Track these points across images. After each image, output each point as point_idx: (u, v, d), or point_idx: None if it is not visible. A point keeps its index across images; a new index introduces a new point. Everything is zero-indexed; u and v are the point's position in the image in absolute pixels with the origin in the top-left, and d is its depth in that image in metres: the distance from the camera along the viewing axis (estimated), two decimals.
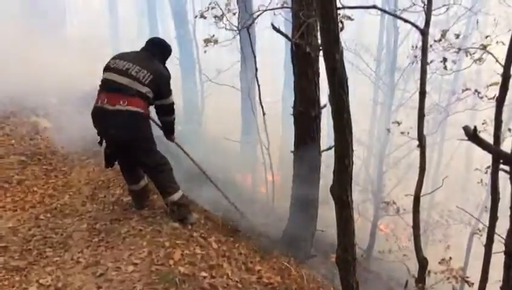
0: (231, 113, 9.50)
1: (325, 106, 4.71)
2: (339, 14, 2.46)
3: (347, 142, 2.28)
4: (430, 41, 4.10)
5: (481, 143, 1.87)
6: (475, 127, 1.86)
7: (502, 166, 2.92)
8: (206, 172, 5.02)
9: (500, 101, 3.26)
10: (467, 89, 4.51)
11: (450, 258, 4.26)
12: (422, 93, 3.40)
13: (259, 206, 7.42)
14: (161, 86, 3.95)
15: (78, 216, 4.27)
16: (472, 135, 1.87)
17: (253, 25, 7.26)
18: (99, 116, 3.77)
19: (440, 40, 4.30)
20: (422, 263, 3.54)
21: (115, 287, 3.07)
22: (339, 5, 3.89)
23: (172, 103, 4.22)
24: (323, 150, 5.10)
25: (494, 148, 1.84)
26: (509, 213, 1.97)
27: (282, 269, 4.43)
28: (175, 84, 4.34)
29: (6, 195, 4.64)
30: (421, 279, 3.56)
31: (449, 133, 13.04)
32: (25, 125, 7.82)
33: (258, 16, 4.18)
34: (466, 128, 1.88)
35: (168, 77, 4.07)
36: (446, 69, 3.99)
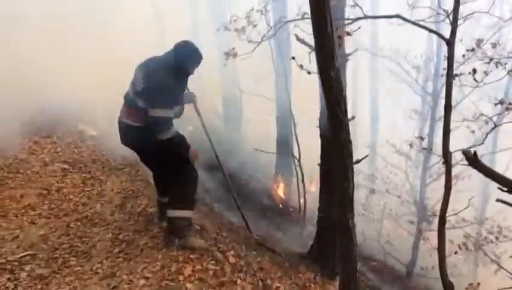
0: (269, 122, 9.51)
1: (353, 117, 4.55)
2: (337, 29, 2.36)
3: (345, 164, 2.16)
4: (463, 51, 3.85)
5: (482, 169, 1.70)
6: (475, 151, 1.69)
7: None
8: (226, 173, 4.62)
9: None
10: (500, 102, 4.16)
11: (478, 284, 3.92)
12: (448, 107, 3.17)
13: (289, 218, 7.28)
14: (150, 95, 3.50)
15: (105, 225, 4.37)
16: (472, 160, 1.71)
17: (287, 34, 7.23)
18: (119, 128, 3.82)
19: (473, 49, 4.01)
20: (448, 288, 3.29)
21: None
22: (361, 14, 3.77)
23: (158, 118, 3.52)
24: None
25: (498, 176, 1.66)
26: None
27: (306, 286, 4.30)
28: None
29: (44, 202, 4.82)
30: None
31: (501, 144, 12.19)
32: (71, 133, 8.20)
33: (279, 28, 4.12)
34: (466, 153, 1.71)
35: (164, 87, 3.49)
36: (476, 81, 3.70)
